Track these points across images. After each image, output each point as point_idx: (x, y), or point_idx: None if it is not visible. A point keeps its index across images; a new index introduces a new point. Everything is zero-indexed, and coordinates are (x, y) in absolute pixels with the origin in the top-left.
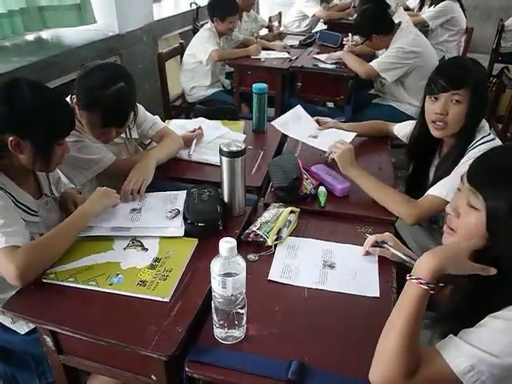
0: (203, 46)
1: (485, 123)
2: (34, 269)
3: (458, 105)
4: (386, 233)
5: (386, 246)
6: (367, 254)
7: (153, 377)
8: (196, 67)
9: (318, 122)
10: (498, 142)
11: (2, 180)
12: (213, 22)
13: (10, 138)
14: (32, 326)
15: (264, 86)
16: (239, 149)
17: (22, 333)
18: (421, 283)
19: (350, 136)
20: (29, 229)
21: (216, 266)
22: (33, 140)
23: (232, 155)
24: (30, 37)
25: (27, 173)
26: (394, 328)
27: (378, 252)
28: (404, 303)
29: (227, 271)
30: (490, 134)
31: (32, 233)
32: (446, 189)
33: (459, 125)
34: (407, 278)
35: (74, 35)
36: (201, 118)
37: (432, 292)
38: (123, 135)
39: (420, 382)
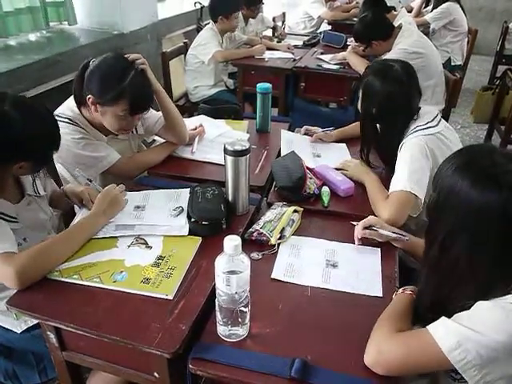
0: (205, 46)
1: (427, 113)
2: (33, 272)
3: None
4: (370, 216)
5: (374, 228)
6: (361, 242)
7: (155, 374)
8: (198, 67)
9: (307, 131)
10: (436, 130)
11: None
12: (215, 22)
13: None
14: (30, 323)
15: (268, 85)
16: (244, 148)
17: (19, 331)
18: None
19: (343, 148)
20: None
21: (220, 264)
22: (36, 159)
23: (236, 154)
24: (33, 35)
25: (6, 178)
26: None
27: (368, 234)
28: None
29: (231, 269)
30: (427, 123)
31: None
32: (401, 181)
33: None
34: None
35: (77, 34)
36: (202, 116)
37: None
38: None
39: (404, 345)
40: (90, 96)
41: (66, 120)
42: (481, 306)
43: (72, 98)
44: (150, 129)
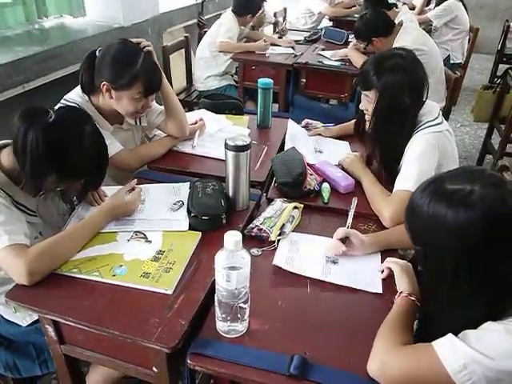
0: (225, 34)
1: (433, 107)
2: (44, 268)
3: (369, 104)
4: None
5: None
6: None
7: (154, 368)
8: (217, 55)
9: (307, 125)
10: (443, 127)
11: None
12: (240, 16)
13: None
14: (34, 317)
15: (269, 81)
16: (245, 143)
17: (24, 325)
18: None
19: (345, 145)
20: (28, 228)
21: (220, 259)
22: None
23: (237, 149)
24: (32, 27)
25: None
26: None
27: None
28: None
29: (232, 264)
30: (436, 118)
31: (31, 232)
32: (410, 181)
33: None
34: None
35: (78, 27)
36: (203, 110)
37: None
38: (132, 122)
39: (409, 361)
40: (104, 83)
41: (74, 105)
42: (490, 327)
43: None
44: (151, 121)
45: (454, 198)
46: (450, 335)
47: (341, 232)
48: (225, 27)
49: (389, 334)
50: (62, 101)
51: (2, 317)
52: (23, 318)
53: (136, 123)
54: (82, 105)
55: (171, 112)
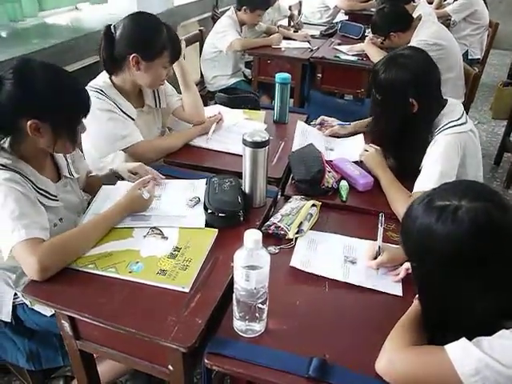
0: (223, 34)
1: (456, 107)
2: (56, 265)
3: None
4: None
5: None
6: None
7: (170, 367)
8: (216, 56)
9: (323, 121)
10: (468, 127)
11: (20, 166)
12: (239, 10)
13: (29, 123)
14: None
15: (287, 76)
16: (263, 139)
17: (48, 315)
18: None
19: (359, 139)
20: (49, 215)
21: (240, 258)
22: (54, 122)
23: (255, 146)
24: (49, 20)
25: (45, 156)
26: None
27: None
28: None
29: (251, 264)
30: (459, 119)
31: (51, 219)
32: (431, 181)
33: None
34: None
35: (93, 19)
36: (218, 105)
37: None
38: (152, 105)
39: (417, 361)
40: (134, 55)
41: (99, 90)
42: (504, 335)
43: (104, 72)
44: (171, 103)
45: (441, 214)
46: (463, 339)
47: (372, 255)
48: (224, 28)
49: (401, 333)
50: (86, 87)
51: (27, 306)
52: (47, 307)
53: (156, 106)
54: (105, 89)
55: (187, 85)
